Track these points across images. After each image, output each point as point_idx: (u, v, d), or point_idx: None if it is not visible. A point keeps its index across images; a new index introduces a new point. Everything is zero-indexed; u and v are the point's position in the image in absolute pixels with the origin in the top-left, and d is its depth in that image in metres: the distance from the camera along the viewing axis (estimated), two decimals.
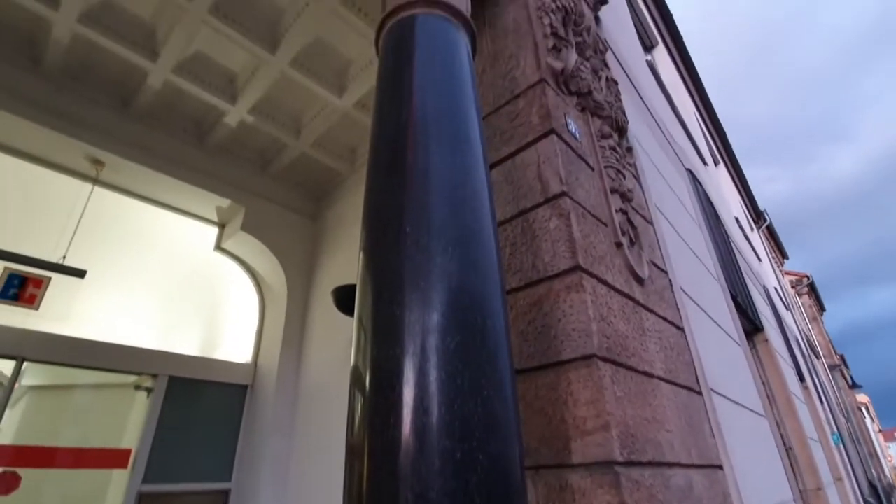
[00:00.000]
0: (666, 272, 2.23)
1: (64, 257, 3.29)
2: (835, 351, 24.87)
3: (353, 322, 1.13)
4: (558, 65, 1.98)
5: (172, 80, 3.42)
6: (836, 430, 11.48)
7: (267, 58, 3.25)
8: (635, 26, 6.91)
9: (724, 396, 2.30)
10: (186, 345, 4.36)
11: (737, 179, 12.78)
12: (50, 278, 3.21)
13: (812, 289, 21.27)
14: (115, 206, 3.89)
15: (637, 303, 1.76)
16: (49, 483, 3.21)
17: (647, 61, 5.05)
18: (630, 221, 1.94)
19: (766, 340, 5.17)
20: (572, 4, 2.47)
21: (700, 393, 1.98)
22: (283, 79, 3.45)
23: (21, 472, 3.04)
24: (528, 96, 1.89)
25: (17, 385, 3.09)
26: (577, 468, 1.27)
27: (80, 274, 3.25)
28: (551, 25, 2.09)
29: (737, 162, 12.36)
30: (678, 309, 2.17)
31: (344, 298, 2.98)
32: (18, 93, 3.21)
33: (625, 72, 3.49)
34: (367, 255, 1.15)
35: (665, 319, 1.94)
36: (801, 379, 7.76)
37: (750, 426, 2.66)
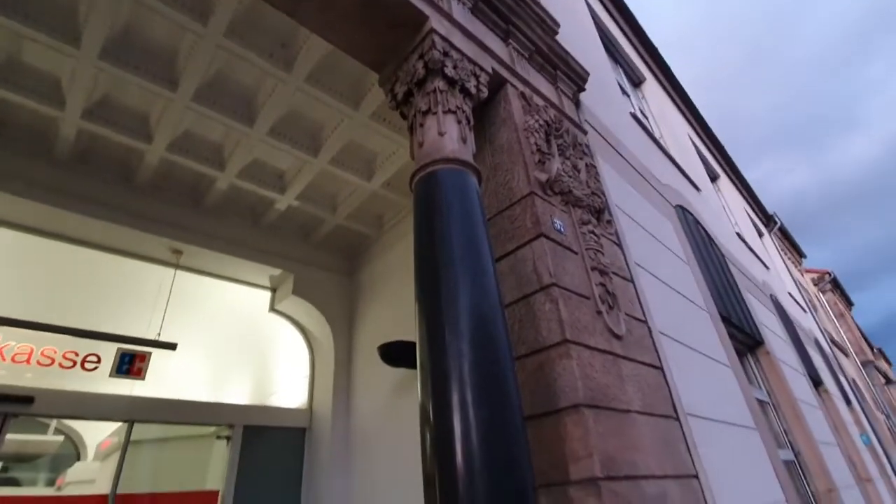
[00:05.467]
0: (645, 321, 2.82)
1: (159, 334, 4.05)
2: (870, 346, 24.33)
3: (416, 390, 1.76)
4: (543, 176, 2.64)
5: (235, 182, 4.21)
6: (868, 430, 11.47)
7: (310, 160, 4.01)
8: (622, 67, 7.61)
9: (703, 417, 2.85)
10: (250, 395, 5.05)
11: (741, 188, 13.13)
12: (150, 353, 3.95)
13: (836, 284, 21.09)
14: (189, 285, 4.66)
15: (616, 356, 2.35)
16: None
17: (631, 113, 5.68)
18: (608, 291, 2.55)
19: (768, 353, 5.60)
20: (552, 115, 3.14)
21: (677, 419, 2.55)
22: (323, 173, 4.20)
23: None
24: (522, 204, 2.55)
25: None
26: (573, 484, 1.86)
27: (172, 347, 3.99)
28: (536, 143, 2.76)
29: (739, 172, 12.74)
30: (656, 351, 2.74)
31: (389, 353, 3.63)
32: (117, 204, 4.03)
33: (606, 140, 4.13)
34: (422, 353, 1.79)
35: (643, 363, 2.52)
36: (818, 384, 8.03)
37: (733, 439, 3.18)
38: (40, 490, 4.71)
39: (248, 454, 4.30)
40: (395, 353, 3.56)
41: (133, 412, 3.84)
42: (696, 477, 2.42)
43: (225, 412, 4.36)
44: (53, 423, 4.69)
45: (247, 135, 3.73)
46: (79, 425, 4.99)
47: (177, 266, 4.48)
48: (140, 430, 4.04)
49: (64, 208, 3.87)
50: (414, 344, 1.87)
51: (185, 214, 4.37)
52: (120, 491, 3.78)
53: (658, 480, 2.13)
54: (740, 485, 2.91)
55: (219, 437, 4.36)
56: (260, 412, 4.64)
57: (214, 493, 4.11)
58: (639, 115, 6.43)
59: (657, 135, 6.85)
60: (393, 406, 4.26)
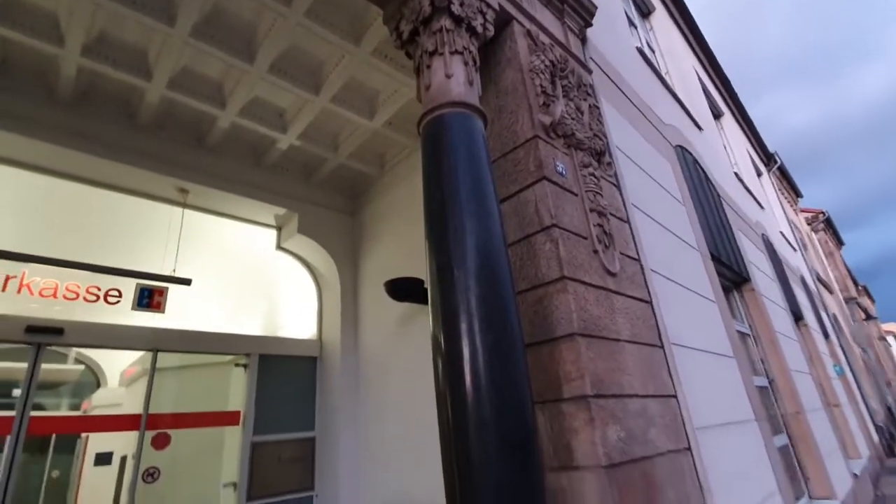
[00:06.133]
0: (637, 259, 2.99)
1: (174, 270, 4.23)
2: (855, 283, 25.11)
3: (428, 321, 1.94)
4: (547, 119, 2.68)
5: (237, 120, 4.19)
6: (843, 362, 12.20)
7: (311, 98, 3.98)
8: None
9: (685, 346, 3.11)
10: (262, 328, 5.35)
11: (744, 126, 12.94)
12: (167, 287, 4.16)
13: (828, 224, 21.37)
14: (199, 224, 4.79)
15: (609, 291, 2.54)
16: (186, 439, 4.29)
17: (638, 47, 5.52)
18: (605, 231, 2.69)
19: (753, 289, 5.89)
20: (558, 54, 3.11)
21: (661, 347, 2.79)
22: (324, 111, 4.18)
23: (169, 432, 4.11)
24: (525, 148, 2.62)
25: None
26: (566, 400, 2.11)
27: (187, 282, 4.19)
28: (541, 85, 2.77)
29: (743, 110, 12.51)
30: (647, 287, 2.94)
31: (395, 289, 3.84)
32: (121, 144, 4.05)
33: (610, 79, 4.09)
34: (433, 288, 1.95)
35: (633, 298, 2.73)
36: (798, 319, 8.45)
37: (712, 366, 3.48)
38: (65, 413, 5.12)
39: (265, 380, 4.67)
40: (401, 289, 3.77)
41: (157, 342, 4.11)
42: (675, 396, 2.71)
43: (241, 342, 4.66)
44: (72, 353, 4.99)
45: (247, 72, 3.68)
46: (97, 355, 5.31)
47: (184, 205, 4.58)
48: (163, 359, 4.34)
49: (69, 147, 3.88)
50: (417, 280, 2.04)
51: (189, 153, 4.39)
52: (150, 412, 4.14)
53: (641, 399, 2.40)
54: (714, 404, 3.24)
55: (237, 365, 4.69)
56: (273, 342, 4.96)
57: (237, 413, 4.51)
58: (645, 49, 6.25)
59: (663, 71, 6.69)
60: (398, 336, 4.55)
